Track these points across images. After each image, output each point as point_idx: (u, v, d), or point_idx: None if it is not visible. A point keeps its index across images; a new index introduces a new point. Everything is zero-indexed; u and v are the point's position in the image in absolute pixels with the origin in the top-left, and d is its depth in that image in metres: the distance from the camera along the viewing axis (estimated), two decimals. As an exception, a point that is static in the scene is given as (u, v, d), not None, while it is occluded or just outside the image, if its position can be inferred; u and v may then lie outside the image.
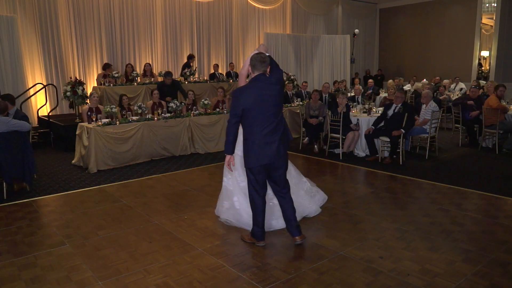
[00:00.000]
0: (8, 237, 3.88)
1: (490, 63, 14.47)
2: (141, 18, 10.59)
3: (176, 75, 10.94)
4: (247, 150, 3.39)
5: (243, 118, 3.35)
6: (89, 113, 6.91)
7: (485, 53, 15.47)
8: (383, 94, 11.50)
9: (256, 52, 3.48)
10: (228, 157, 3.46)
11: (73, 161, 6.77)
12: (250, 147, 3.36)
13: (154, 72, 10.13)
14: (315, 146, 7.67)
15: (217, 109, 8.10)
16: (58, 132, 8.14)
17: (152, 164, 6.80)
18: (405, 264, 3.26)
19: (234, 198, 4.13)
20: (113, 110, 6.84)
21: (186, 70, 10.25)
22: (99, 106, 7.29)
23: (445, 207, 4.58)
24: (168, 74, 8.73)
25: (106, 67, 9.16)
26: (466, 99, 8.25)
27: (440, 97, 10.34)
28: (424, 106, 7.17)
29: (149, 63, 10.07)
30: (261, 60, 3.37)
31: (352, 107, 7.85)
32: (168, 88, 8.56)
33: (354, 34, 13.92)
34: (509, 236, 3.81)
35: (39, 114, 8.92)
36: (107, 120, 6.67)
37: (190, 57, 10.64)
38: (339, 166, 6.60)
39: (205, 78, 10.75)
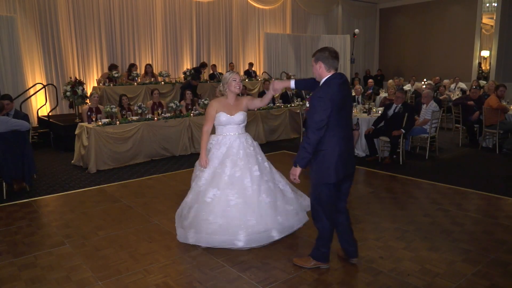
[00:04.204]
0: (8, 237, 3.88)
1: (490, 63, 14.47)
2: (141, 18, 10.59)
3: (176, 75, 10.97)
4: (326, 162, 2.88)
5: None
6: (89, 113, 6.91)
7: (485, 53, 15.46)
8: (383, 94, 11.50)
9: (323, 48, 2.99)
10: (299, 170, 2.94)
11: (72, 161, 6.77)
12: (331, 158, 2.86)
13: (154, 72, 10.12)
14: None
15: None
16: (58, 132, 8.14)
17: (152, 164, 6.80)
18: (405, 264, 3.26)
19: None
20: (113, 110, 6.84)
21: (186, 70, 10.30)
22: (99, 106, 7.29)
23: (445, 207, 4.58)
24: (197, 76, 8.89)
25: (112, 68, 9.17)
26: (466, 99, 8.25)
27: (440, 97, 10.34)
28: (424, 106, 7.17)
29: (150, 64, 10.07)
30: (332, 55, 2.89)
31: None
32: (194, 90, 8.70)
33: (354, 34, 13.92)
34: (509, 236, 3.81)
35: (39, 114, 8.92)
36: (107, 120, 6.67)
37: (203, 66, 10.68)
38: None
39: (205, 78, 10.76)
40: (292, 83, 3.35)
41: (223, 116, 3.64)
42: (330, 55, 2.89)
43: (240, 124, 3.73)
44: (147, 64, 10.01)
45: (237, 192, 3.52)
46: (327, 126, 2.82)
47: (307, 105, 3.01)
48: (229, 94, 3.68)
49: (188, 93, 8.17)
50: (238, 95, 3.76)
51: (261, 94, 9.65)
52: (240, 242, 3.43)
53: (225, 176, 3.56)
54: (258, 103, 3.82)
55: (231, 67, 11.70)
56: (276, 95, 3.56)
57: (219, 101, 3.68)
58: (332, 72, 2.91)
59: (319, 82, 3.00)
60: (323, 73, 2.92)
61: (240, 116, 3.70)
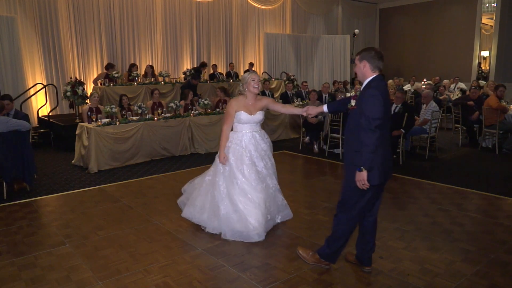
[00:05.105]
0: (8, 237, 3.88)
1: (490, 63, 14.47)
2: (141, 18, 10.59)
3: (176, 75, 10.97)
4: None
5: None
6: (89, 113, 6.91)
7: (485, 53, 15.46)
8: (383, 94, 11.48)
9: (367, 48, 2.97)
10: (365, 173, 2.74)
11: (73, 161, 6.77)
12: (377, 160, 2.77)
13: (154, 72, 10.11)
14: (315, 146, 7.68)
15: (217, 109, 8.10)
16: (58, 132, 8.14)
17: (152, 164, 6.80)
18: (405, 264, 3.26)
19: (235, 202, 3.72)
20: (113, 110, 6.84)
21: (186, 70, 10.29)
22: (99, 106, 7.29)
23: (445, 207, 4.58)
24: (197, 75, 8.83)
25: (109, 67, 9.16)
26: (466, 99, 8.26)
27: (440, 97, 10.34)
28: (424, 106, 7.18)
29: (151, 65, 10.06)
30: (379, 55, 2.85)
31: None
32: (194, 89, 8.67)
33: (354, 34, 13.89)
34: (509, 236, 3.81)
35: (39, 114, 8.92)
36: (107, 120, 6.67)
37: (203, 65, 10.66)
38: (339, 166, 6.60)
39: (205, 78, 10.76)
40: (325, 108, 3.39)
41: (243, 115, 3.76)
42: (376, 55, 2.85)
43: (258, 123, 3.88)
44: (148, 65, 10.01)
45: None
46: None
47: (353, 103, 2.97)
48: (248, 94, 3.77)
49: (191, 93, 8.16)
50: (258, 94, 3.84)
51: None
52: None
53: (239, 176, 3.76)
54: (279, 107, 4.03)
55: (231, 67, 11.71)
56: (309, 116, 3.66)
57: (238, 101, 3.80)
58: (376, 73, 2.87)
59: (349, 100, 3.02)
60: (368, 73, 2.87)
61: (259, 115, 3.84)
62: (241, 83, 3.84)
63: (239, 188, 3.71)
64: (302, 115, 4.03)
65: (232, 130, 3.90)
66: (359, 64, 2.89)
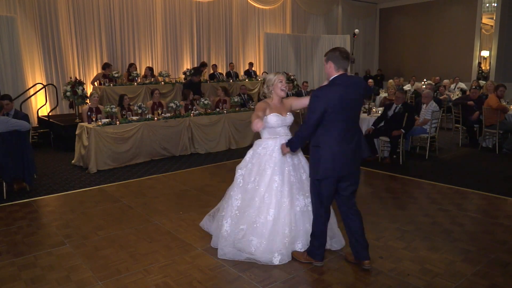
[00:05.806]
0: (8, 237, 3.88)
1: (490, 63, 14.47)
2: (141, 18, 10.59)
3: (176, 75, 10.96)
4: (319, 159, 2.92)
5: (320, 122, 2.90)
6: (89, 113, 6.91)
7: (485, 53, 15.46)
8: (383, 94, 11.49)
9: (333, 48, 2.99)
10: (288, 149, 3.22)
11: (73, 161, 6.77)
12: (324, 155, 2.91)
13: (154, 74, 10.09)
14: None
15: (217, 109, 8.10)
16: (58, 132, 8.14)
17: (152, 164, 6.80)
18: (405, 264, 3.26)
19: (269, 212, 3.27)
20: (113, 110, 6.85)
21: (186, 70, 10.28)
22: (99, 106, 7.29)
23: (445, 207, 4.58)
24: (197, 72, 8.76)
25: (106, 66, 9.16)
26: (466, 99, 8.26)
27: (440, 97, 10.34)
28: (424, 106, 7.18)
29: (150, 67, 10.04)
30: (343, 56, 2.89)
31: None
32: (196, 87, 8.61)
33: (354, 34, 13.87)
34: (509, 236, 3.81)
35: (39, 114, 8.92)
36: (107, 120, 6.67)
37: (203, 65, 10.67)
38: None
39: (205, 78, 10.76)
40: None
41: (276, 117, 3.42)
42: (340, 55, 2.90)
43: (289, 126, 3.58)
44: (147, 67, 9.99)
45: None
46: (323, 124, 2.92)
47: None
48: (274, 97, 3.44)
49: (191, 93, 8.13)
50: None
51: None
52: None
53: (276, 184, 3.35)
54: (306, 101, 3.46)
55: (231, 67, 11.70)
56: None
57: (267, 103, 3.45)
58: (340, 72, 2.93)
59: None
60: (332, 73, 2.95)
61: (290, 116, 3.56)
62: (266, 85, 3.45)
63: (264, 203, 3.30)
64: (302, 115, 3.89)
65: (261, 138, 3.54)
66: (326, 65, 2.99)
